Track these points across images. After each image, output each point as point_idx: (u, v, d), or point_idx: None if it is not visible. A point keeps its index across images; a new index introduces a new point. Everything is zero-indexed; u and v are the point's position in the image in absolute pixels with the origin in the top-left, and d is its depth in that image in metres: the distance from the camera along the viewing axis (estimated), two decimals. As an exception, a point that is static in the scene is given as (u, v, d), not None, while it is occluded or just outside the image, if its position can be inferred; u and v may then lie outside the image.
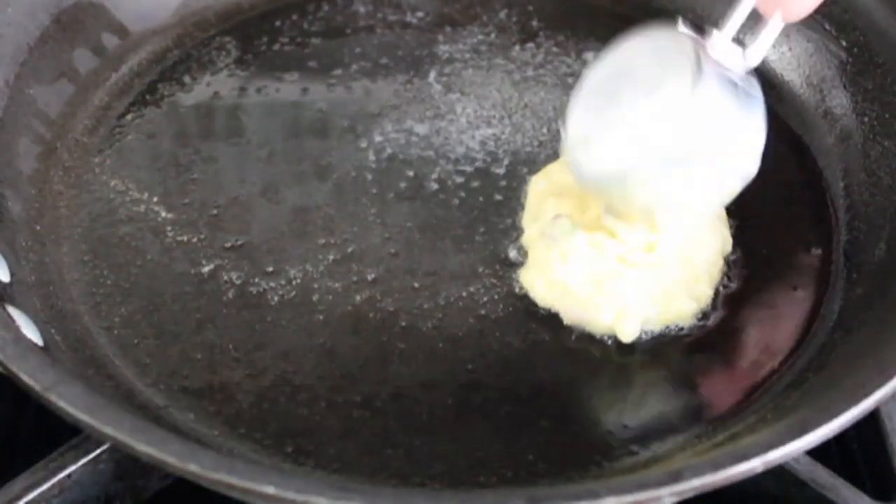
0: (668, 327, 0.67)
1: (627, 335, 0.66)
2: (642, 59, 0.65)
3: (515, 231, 0.72)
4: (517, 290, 0.69)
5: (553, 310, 0.67)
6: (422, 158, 0.77)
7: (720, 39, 0.63)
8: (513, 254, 0.70)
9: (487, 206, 0.74)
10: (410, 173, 0.76)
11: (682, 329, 0.67)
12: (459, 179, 0.75)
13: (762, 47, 0.63)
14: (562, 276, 0.67)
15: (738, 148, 0.64)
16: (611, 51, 0.66)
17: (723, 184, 0.65)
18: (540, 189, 0.72)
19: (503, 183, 0.75)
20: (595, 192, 0.67)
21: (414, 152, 0.77)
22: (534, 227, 0.70)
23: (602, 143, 0.65)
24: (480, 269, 0.70)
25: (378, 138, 0.78)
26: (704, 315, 0.67)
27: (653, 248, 0.67)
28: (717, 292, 0.68)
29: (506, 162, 0.76)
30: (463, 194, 0.74)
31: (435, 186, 0.75)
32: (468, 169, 0.76)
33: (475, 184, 0.75)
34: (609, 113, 0.65)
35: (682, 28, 0.63)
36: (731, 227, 0.71)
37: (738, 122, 0.63)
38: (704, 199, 0.66)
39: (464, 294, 0.69)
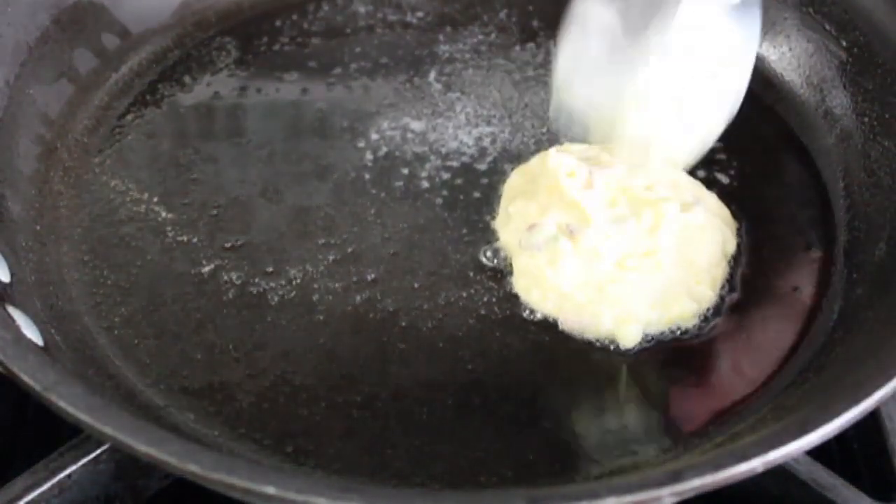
0: (669, 329, 0.67)
1: (628, 341, 0.66)
2: None
3: (491, 233, 0.72)
4: (515, 290, 0.69)
5: (551, 318, 0.67)
6: (416, 155, 0.77)
7: None
8: (488, 257, 0.70)
9: (469, 204, 0.74)
10: (405, 171, 0.76)
11: (683, 331, 0.67)
12: (446, 175, 0.75)
13: None
14: (554, 282, 0.67)
15: (726, 69, 0.67)
16: None
17: (713, 111, 0.67)
18: (513, 185, 0.73)
19: (485, 180, 0.75)
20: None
21: (409, 149, 0.77)
22: (507, 232, 0.70)
23: (593, 78, 0.66)
24: (478, 270, 0.70)
25: (374, 136, 0.78)
26: (705, 317, 0.67)
27: (651, 253, 0.67)
28: (718, 293, 0.68)
29: (489, 159, 0.76)
30: (446, 192, 0.74)
31: (426, 185, 0.75)
32: (454, 164, 0.76)
33: (458, 181, 0.75)
34: (600, 49, 0.67)
35: None
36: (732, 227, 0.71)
37: (727, 41, 0.66)
38: (696, 131, 0.67)
39: (463, 294, 0.69)
